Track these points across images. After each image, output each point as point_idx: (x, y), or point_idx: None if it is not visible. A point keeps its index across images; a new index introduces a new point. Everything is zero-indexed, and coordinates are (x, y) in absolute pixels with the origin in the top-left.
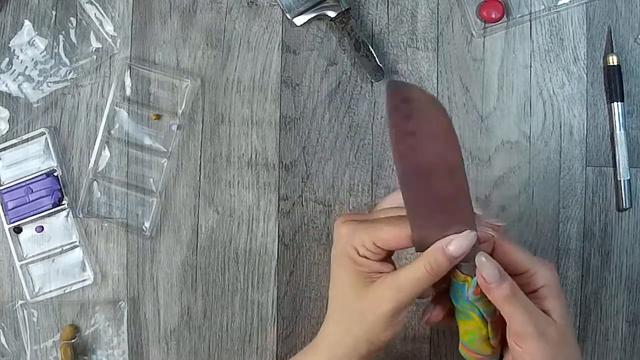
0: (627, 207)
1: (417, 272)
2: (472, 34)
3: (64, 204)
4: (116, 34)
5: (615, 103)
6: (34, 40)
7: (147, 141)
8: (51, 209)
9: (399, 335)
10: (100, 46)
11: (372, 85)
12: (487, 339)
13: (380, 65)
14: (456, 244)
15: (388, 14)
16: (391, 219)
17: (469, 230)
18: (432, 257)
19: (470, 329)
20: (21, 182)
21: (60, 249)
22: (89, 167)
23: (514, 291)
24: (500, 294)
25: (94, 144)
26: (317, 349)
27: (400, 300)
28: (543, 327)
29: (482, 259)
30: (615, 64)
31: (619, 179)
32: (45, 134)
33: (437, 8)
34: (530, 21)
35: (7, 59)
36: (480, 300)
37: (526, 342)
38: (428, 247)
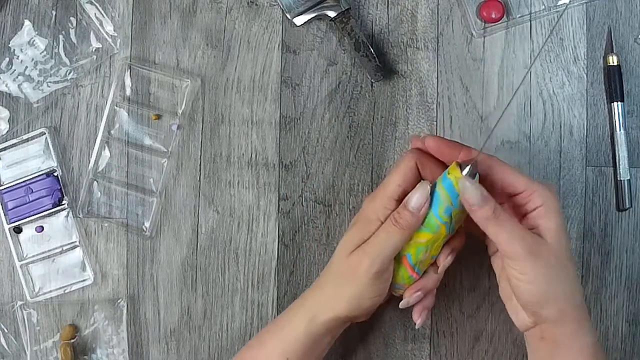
0: (627, 207)
1: (389, 228)
2: (472, 34)
3: (64, 204)
4: (116, 34)
5: (615, 103)
6: (34, 40)
7: (147, 141)
8: (51, 209)
9: (399, 336)
10: (100, 46)
11: (372, 85)
12: (431, 257)
13: (380, 65)
14: (414, 198)
15: (388, 14)
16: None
17: (422, 182)
18: (396, 212)
19: (424, 242)
20: (21, 182)
21: (60, 249)
22: (89, 167)
23: (497, 213)
24: (482, 215)
25: (94, 144)
26: (301, 310)
27: (378, 257)
28: (532, 246)
29: (465, 184)
30: (615, 64)
31: (619, 179)
32: (45, 134)
33: (437, 8)
34: (530, 21)
35: (7, 59)
36: (459, 214)
37: (517, 261)
38: None
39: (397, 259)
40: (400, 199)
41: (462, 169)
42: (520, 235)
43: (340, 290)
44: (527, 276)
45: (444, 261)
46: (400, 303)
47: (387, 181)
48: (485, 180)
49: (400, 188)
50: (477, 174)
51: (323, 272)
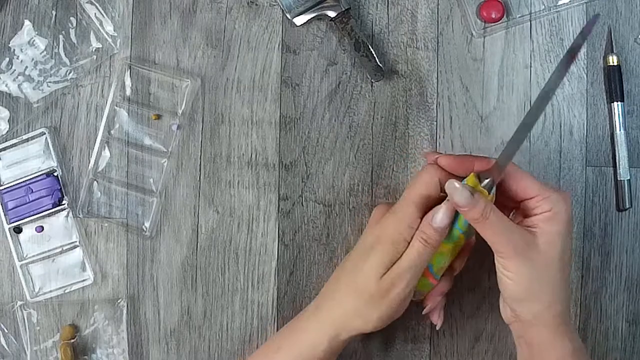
0: (627, 207)
1: (420, 249)
2: (472, 34)
3: (64, 204)
4: (116, 34)
5: (615, 103)
6: (34, 40)
7: (147, 141)
8: (51, 209)
9: (399, 336)
10: (100, 46)
11: (372, 85)
12: (448, 263)
13: (380, 65)
14: (439, 217)
15: (388, 14)
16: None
17: (446, 201)
18: (423, 232)
19: (446, 251)
20: (21, 182)
21: (60, 249)
22: (89, 167)
23: (486, 214)
24: (471, 216)
25: (94, 144)
26: (323, 324)
27: (412, 279)
28: (519, 246)
29: (453, 185)
30: (615, 64)
31: (619, 179)
32: (45, 134)
33: (437, 8)
34: (530, 21)
35: (7, 59)
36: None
37: (503, 258)
38: None
39: None
40: (423, 215)
41: (480, 181)
42: (509, 233)
43: (369, 311)
44: (509, 273)
45: (461, 266)
46: (424, 310)
47: (410, 198)
48: (500, 185)
49: (424, 205)
50: (494, 184)
51: (343, 288)
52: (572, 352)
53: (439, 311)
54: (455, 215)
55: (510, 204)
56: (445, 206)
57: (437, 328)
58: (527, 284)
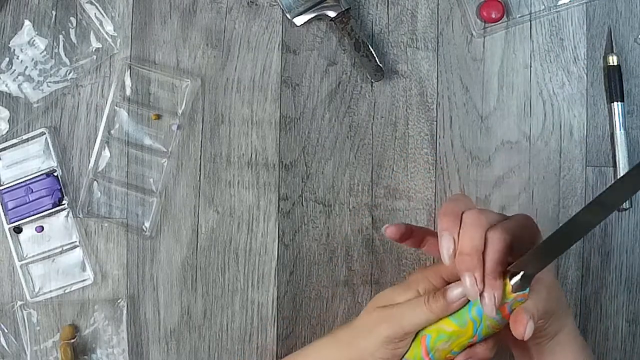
0: (627, 207)
1: (417, 305)
2: (472, 34)
3: (64, 204)
4: (116, 34)
5: (615, 103)
6: (34, 40)
7: (147, 141)
8: (51, 209)
9: None
10: (100, 46)
11: (372, 85)
12: (450, 352)
13: (380, 65)
14: (456, 292)
15: (388, 14)
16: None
17: (468, 277)
18: (433, 297)
19: (449, 331)
20: (21, 182)
21: (60, 249)
22: (89, 167)
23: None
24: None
25: (94, 144)
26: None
27: (395, 326)
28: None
29: (524, 318)
30: (615, 64)
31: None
32: (45, 134)
33: (437, 8)
34: (530, 21)
35: (7, 59)
36: (490, 321)
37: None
38: None
39: (417, 336)
40: (449, 280)
41: (511, 277)
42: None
43: (355, 340)
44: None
45: None
46: None
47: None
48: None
49: (455, 274)
50: (528, 288)
51: (354, 320)
52: (583, 347)
53: None
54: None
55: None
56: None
57: None
58: (545, 305)
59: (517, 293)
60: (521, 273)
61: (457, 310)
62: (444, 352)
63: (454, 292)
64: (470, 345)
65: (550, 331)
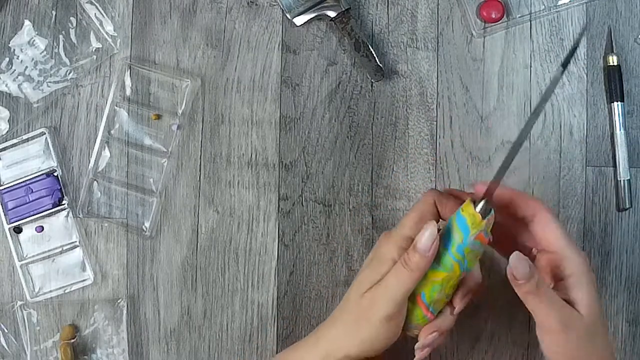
0: (627, 207)
1: (399, 271)
2: (472, 34)
3: (64, 204)
4: (116, 34)
5: (615, 103)
6: (34, 40)
7: (147, 141)
8: (51, 209)
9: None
10: (100, 46)
11: (372, 85)
12: (446, 296)
13: (380, 65)
14: (422, 240)
15: (388, 14)
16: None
17: (429, 222)
18: (406, 254)
19: (439, 280)
20: (21, 182)
21: (60, 249)
22: (89, 167)
23: (539, 286)
24: (525, 290)
25: (94, 144)
26: (314, 347)
27: (389, 301)
28: (567, 320)
29: (514, 258)
30: (615, 64)
31: (619, 179)
32: (45, 134)
33: (437, 8)
34: (530, 21)
35: (7, 59)
36: (472, 252)
37: (552, 334)
38: None
39: (412, 298)
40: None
41: (475, 205)
42: (556, 309)
43: (352, 331)
44: (557, 348)
45: (460, 303)
46: (416, 345)
47: (404, 220)
48: (520, 226)
49: (417, 227)
50: (493, 209)
51: (337, 308)
52: None
53: (429, 349)
54: (448, 241)
55: (509, 223)
56: (429, 229)
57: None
58: (576, 354)
59: (486, 218)
60: (484, 200)
61: (440, 260)
62: (442, 300)
63: (422, 239)
64: (460, 282)
65: None
